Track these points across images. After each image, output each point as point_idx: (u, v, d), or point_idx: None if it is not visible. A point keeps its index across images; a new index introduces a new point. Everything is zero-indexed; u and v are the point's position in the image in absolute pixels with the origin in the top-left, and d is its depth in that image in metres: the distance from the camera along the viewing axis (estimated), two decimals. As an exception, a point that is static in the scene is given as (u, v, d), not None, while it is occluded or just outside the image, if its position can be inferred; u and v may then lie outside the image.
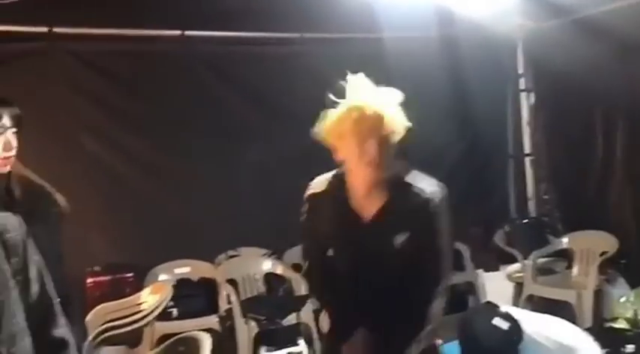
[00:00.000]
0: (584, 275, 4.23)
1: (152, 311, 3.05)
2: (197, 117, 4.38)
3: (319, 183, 2.21)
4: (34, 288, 1.34)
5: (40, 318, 1.35)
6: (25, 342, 1.28)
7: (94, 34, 3.97)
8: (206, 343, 2.24)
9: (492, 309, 1.88)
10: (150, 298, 3.22)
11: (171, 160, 4.35)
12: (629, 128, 4.47)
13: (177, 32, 4.22)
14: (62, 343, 1.41)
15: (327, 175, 2.19)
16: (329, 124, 2.09)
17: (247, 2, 3.80)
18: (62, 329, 1.42)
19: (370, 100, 2.00)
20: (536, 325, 1.86)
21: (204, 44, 4.34)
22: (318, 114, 4.91)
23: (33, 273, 1.34)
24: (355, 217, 2.07)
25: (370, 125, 1.97)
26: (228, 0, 3.81)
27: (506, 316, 1.87)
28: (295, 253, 4.46)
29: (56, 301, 1.42)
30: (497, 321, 1.83)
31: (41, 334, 1.35)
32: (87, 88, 4.14)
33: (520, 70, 5.37)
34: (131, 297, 3.36)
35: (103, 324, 2.93)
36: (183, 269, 4.12)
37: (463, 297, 4.86)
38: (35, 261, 1.35)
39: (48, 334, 1.38)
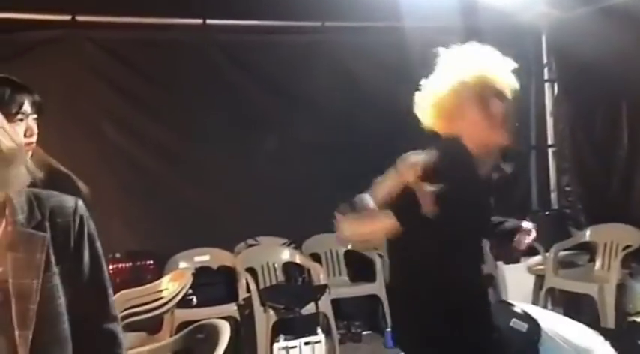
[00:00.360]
0: (606, 269, 4.17)
1: (172, 298, 3.05)
2: (217, 106, 4.40)
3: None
4: (84, 275, 1.30)
5: (88, 306, 1.30)
6: (66, 326, 1.25)
7: (115, 23, 4.00)
8: (225, 330, 2.24)
9: (508, 310, 1.83)
10: (170, 286, 3.22)
11: (192, 148, 4.37)
12: (655, 120, 4.38)
13: (199, 21, 4.22)
14: (111, 337, 1.34)
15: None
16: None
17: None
18: (113, 324, 1.35)
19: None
20: (551, 323, 1.82)
21: (225, 33, 4.35)
22: (338, 102, 4.91)
23: (85, 259, 1.30)
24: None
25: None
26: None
27: (524, 316, 1.83)
28: (314, 243, 4.48)
29: (110, 292, 1.35)
30: (515, 322, 1.80)
31: (89, 323, 1.30)
32: (108, 76, 4.18)
33: (544, 60, 5.28)
34: (151, 284, 3.36)
35: (123, 310, 2.94)
36: (203, 257, 4.15)
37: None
38: (90, 248, 1.31)
39: (96, 324, 1.32)
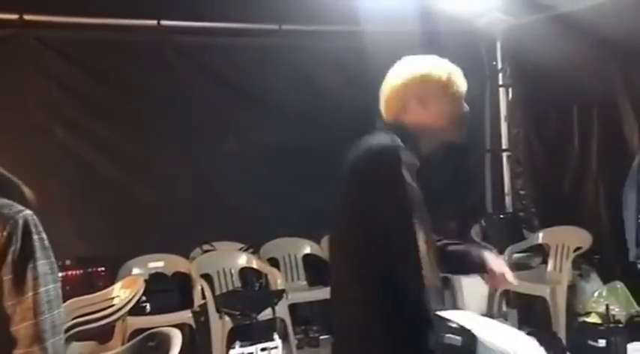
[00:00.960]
0: (558, 270, 4.27)
1: (124, 306, 2.99)
2: (173, 108, 4.32)
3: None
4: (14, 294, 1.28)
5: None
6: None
7: (65, 23, 3.90)
8: (176, 338, 2.20)
9: (442, 324, 1.80)
10: (122, 293, 3.16)
11: (146, 151, 4.29)
12: (605, 125, 4.50)
13: (153, 22, 4.14)
14: None
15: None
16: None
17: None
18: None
19: None
20: (487, 333, 1.81)
21: (180, 35, 4.29)
22: (297, 105, 4.91)
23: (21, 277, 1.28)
24: None
25: None
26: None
27: (458, 330, 1.80)
28: (272, 247, 4.45)
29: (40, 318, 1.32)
30: (449, 338, 1.77)
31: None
32: (58, 77, 4.07)
33: (499, 66, 5.38)
34: (103, 291, 3.29)
35: (72, 319, 2.86)
36: (157, 263, 4.07)
37: (440, 292, 4.88)
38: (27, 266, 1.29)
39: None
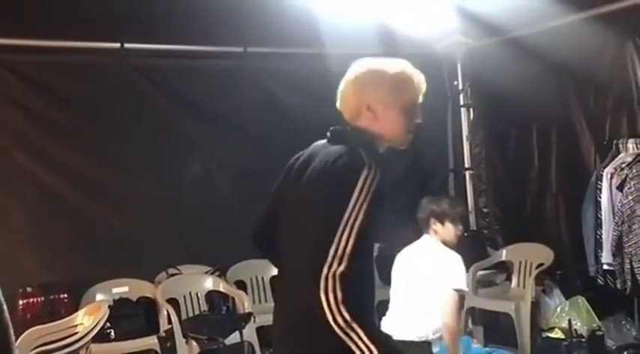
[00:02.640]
0: (522, 287, 4.35)
1: (87, 333, 2.93)
2: (137, 131, 4.29)
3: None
4: None
5: None
6: None
7: (26, 46, 3.84)
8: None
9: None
10: (85, 320, 3.10)
11: (109, 175, 4.23)
12: (563, 144, 4.64)
13: (116, 45, 4.12)
14: None
15: None
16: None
17: (189, 15, 3.75)
18: None
19: None
20: None
21: (144, 57, 4.26)
22: (262, 128, 4.92)
23: None
24: None
25: None
26: (170, 13, 3.75)
27: None
28: (239, 270, 4.42)
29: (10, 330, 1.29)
30: None
31: None
32: (19, 100, 3.99)
33: (460, 87, 5.51)
34: (66, 319, 3.23)
35: (34, 348, 2.80)
36: (122, 288, 4.00)
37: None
38: None
39: None
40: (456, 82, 5.50)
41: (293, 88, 4.65)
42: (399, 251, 4.99)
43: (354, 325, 1.57)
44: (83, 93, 4.14)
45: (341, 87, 1.89)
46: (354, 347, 1.59)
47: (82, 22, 3.67)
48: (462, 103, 5.54)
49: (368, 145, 1.75)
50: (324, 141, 1.87)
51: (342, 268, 1.56)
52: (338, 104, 1.89)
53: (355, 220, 1.59)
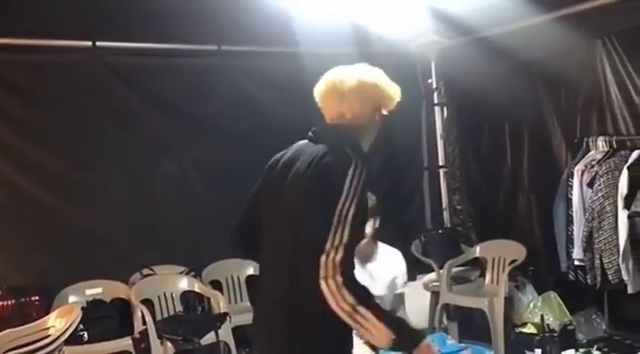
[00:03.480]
0: (495, 283, 4.40)
1: (60, 336, 2.90)
2: (110, 130, 4.23)
3: None
4: None
5: None
6: None
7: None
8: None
9: None
10: (57, 323, 3.06)
11: (82, 174, 4.16)
12: (535, 141, 4.72)
13: (88, 43, 4.06)
14: None
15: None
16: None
17: (163, 13, 3.71)
18: None
19: None
20: None
21: (116, 55, 4.21)
22: (237, 127, 4.90)
23: None
24: None
25: None
26: (143, 10, 3.72)
27: None
28: (214, 270, 4.39)
29: None
30: None
31: None
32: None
33: (434, 85, 5.56)
34: (37, 322, 3.18)
35: (5, 352, 2.75)
36: (95, 290, 3.94)
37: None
38: None
39: None
40: (429, 81, 5.55)
41: (268, 87, 4.64)
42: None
43: (360, 308, 1.62)
44: (54, 92, 4.07)
45: (323, 88, 1.97)
46: (362, 331, 1.65)
47: (53, 20, 3.61)
48: (435, 101, 5.59)
49: (353, 144, 1.86)
50: (305, 141, 1.96)
51: (340, 255, 1.63)
52: (320, 104, 1.97)
53: (348, 211, 1.67)
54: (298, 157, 1.87)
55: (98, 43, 4.08)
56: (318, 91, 1.99)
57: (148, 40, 4.20)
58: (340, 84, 1.94)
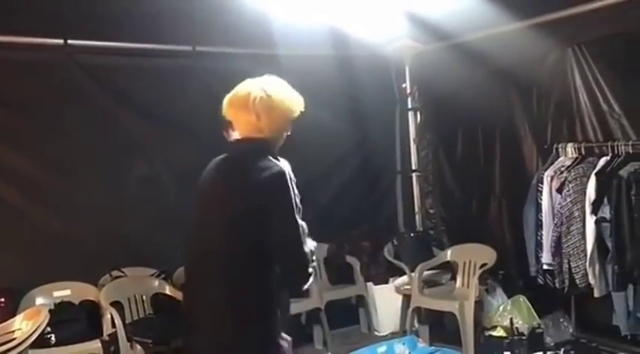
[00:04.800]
0: (466, 286, 4.44)
1: (26, 339, 2.83)
2: (81, 130, 4.16)
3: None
4: None
5: None
6: None
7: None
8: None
9: None
10: (24, 325, 3.00)
11: (52, 174, 4.09)
12: (505, 146, 4.78)
13: (60, 41, 3.99)
14: None
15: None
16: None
17: (137, 12, 3.67)
18: None
19: None
20: None
21: (89, 55, 4.14)
22: (211, 128, 4.86)
23: None
24: None
25: None
26: (117, 10, 3.67)
27: None
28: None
29: None
30: None
31: None
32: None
33: (408, 90, 5.60)
34: (2, 324, 3.11)
35: (-32, 356, 2.68)
36: (64, 292, 3.88)
37: (354, 310, 4.96)
38: None
39: None
40: (404, 85, 5.59)
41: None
42: (347, 252, 5.05)
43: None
44: (24, 90, 3.98)
45: (236, 104, 2.16)
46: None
47: (24, 17, 3.54)
48: (409, 106, 5.63)
49: (274, 154, 2.12)
50: (222, 156, 2.22)
51: (309, 243, 2.08)
52: (233, 119, 2.17)
53: (299, 209, 2.04)
54: (236, 170, 2.12)
55: (70, 41, 4.01)
56: (229, 106, 2.16)
57: (122, 40, 4.15)
58: (253, 99, 2.11)
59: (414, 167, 5.65)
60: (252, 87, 2.14)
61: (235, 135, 2.23)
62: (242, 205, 2.01)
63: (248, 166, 2.05)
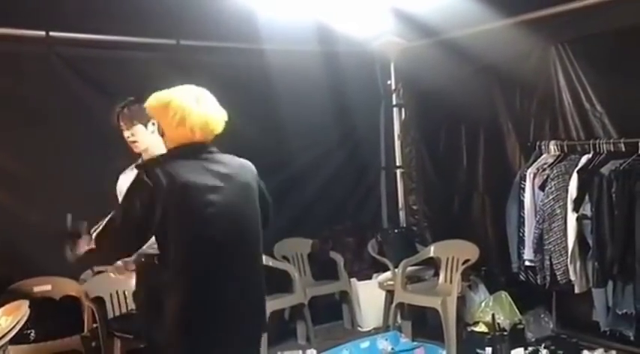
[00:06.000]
0: (449, 282, 4.47)
1: (4, 335, 2.79)
2: (62, 123, 4.11)
3: None
4: None
5: None
6: None
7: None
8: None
9: None
10: (3, 320, 2.95)
11: (32, 167, 4.02)
12: (488, 143, 4.81)
13: (41, 33, 3.93)
14: None
15: None
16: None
17: (120, 5, 3.63)
18: None
19: None
20: None
21: (71, 47, 4.09)
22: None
23: None
24: None
25: None
26: (100, 2, 3.62)
27: None
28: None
29: None
30: None
31: None
32: None
33: (393, 86, 5.60)
34: (-19, 320, 3.06)
35: (-55, 352, 2.64)
36: (44, 287, 3.82)
37: (338, 305, 4.97)
38: None
39: None
40: (389, 82, 5.59)
41: (227, 83, 4.58)
42: (331, 248, 5.05)
43: None
44: (3, 82, 3.92)
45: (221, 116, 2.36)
46: None
47: (5, 9, 3.48)
48: (394, 102, 5.64)
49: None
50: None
51: None
52: (216, 128, 2.32)
53: None
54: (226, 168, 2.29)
55: (51, 34, 3.96)
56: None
57: (105, 32, 4.10)
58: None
59: (398, 164, 5.66)
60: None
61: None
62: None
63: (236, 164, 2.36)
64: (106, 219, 2.16)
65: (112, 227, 2.20)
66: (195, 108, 2.23)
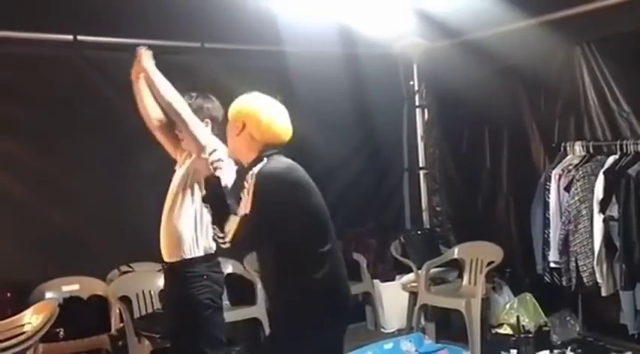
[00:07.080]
0: (473, 284, 4.44)
1: (36, 333, 2.87)
2: (90, 125, 4.19)
3: None
4: None
5: None
6: None
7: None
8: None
9: None
10: (33, 319, 3.03)
11: (60, 169, 4.10)
12: (512, 144, 4.77)
13: (69, 37, 4.01)
14: None
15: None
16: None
17: (146, 9, 3.68)
18: None
19: None
20: None
21: (97, 50, 4.16)
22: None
23: None
24: None
25: None
26: (126, 6, 3.68)
27: None
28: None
29: None
30: None
31: None
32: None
33: (416, 87, 5.59)
34: (12, 318, 3.14)
35: (-22, 349, 2.71)
36: (72, 287, 3.90)
37: (361, 307, 4.97)
38: None
39: None
40: (411, 83, 5.58)
41: (250, 85, 4.60)
42: (353, 249, 5.05)
43: None
44: (32, 85, 4.00)
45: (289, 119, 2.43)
46: None
47: (34, 13, 3.56)
48: (417, 103, 5.63)
49: None
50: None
51: None
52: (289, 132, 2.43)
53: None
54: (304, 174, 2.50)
55: (79, 37, 4.03)
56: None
57: (130, 36, 4.14)
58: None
59: (421, 165, 5.64)
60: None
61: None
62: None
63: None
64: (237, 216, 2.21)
65: (247, 222, 2.23)
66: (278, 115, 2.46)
